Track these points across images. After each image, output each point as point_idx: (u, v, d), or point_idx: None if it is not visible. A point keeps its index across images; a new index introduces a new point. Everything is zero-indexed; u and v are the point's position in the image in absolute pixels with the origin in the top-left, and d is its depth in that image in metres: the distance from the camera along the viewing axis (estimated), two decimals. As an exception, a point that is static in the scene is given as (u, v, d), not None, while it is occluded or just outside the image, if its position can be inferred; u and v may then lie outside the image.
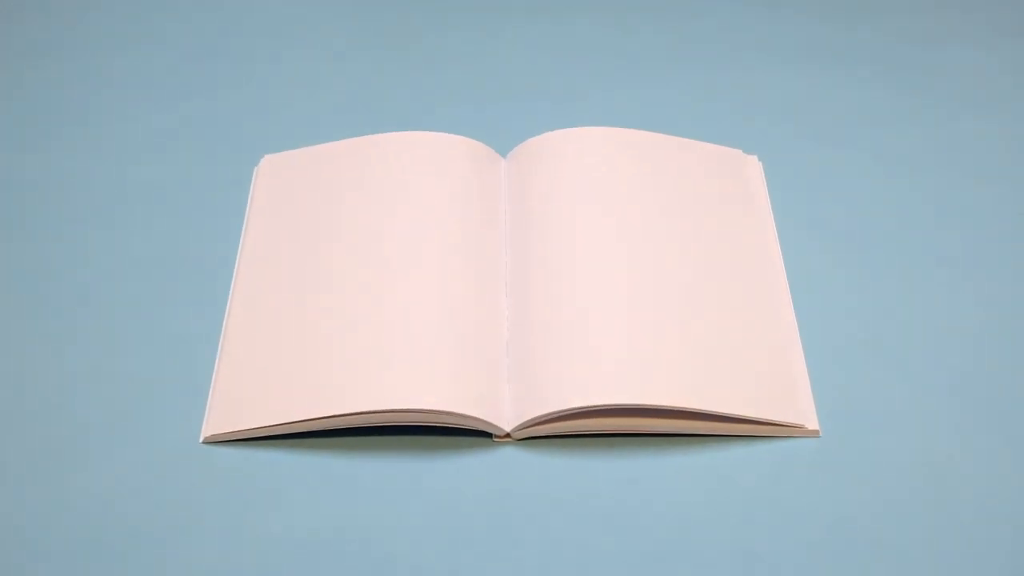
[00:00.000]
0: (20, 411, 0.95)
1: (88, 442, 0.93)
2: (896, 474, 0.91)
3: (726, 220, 1.08)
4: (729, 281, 1.02)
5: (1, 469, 0.92)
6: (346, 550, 0.87)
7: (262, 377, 0.96)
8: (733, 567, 0.86)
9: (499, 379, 0.96)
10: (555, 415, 0.93)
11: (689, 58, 1.28)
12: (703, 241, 1.05)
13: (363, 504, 0.90)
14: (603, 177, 1.09)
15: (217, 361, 0.98)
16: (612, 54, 1.29)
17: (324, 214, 1.08)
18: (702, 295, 1.01)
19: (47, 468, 0.92)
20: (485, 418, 0.93)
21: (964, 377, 0.98)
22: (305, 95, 1.24)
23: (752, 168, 1.14)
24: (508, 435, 0.94)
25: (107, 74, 1.26)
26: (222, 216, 1.10)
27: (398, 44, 1.30)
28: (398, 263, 1.02)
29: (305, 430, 0.93)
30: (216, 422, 0.94)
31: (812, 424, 0.94)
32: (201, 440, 0.94)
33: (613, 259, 1.02)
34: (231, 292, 1.03)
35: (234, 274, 1.05)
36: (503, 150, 1.15)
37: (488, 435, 0.94)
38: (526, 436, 0.94)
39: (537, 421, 0.93)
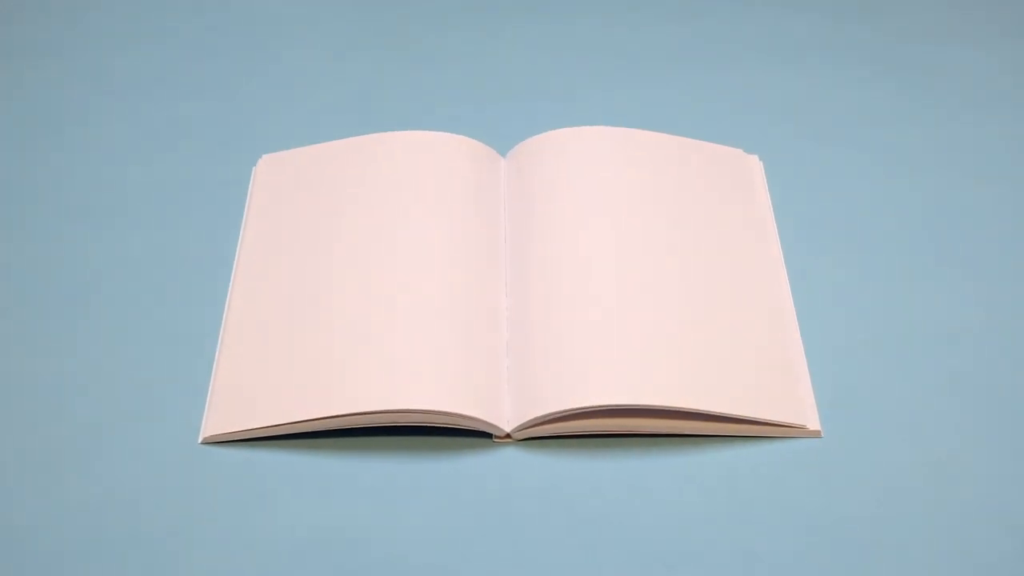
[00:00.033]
0: (19, 411, 0.95)
1: (86, 443, 0.93)
2: (897, 474, 0.91)
3: (727, 220, 1.08)
4: (730, 281, 1.02)
5: (0, 469, 0.92)
6: (346, 551, 0.87)
7: (261, 377, 0.96)
8: (734, 568, 0.86)
9: (499, 379, 0.96)
10: (555, 415, 0.92)
11: (689, 58, 1.28)
12: (703, 240, 1.05)
13: (363, 505, 0.90)
14: (603, 176, 1.09)
15: (216, 361, 0.98)
16: (612, 54, 1.29)
17: (323, 214, 1.08)
18: (702, 295, 1.01)
19: (46, 468, 0.92)
20: (485, 418, 0.93)
21: (965, 377, 0.97)
22: (304, 95, 1.24)
23: (753, 168, 1.14)
24: (508, 436, 0.94)
25: (106, 74, 1.26)
26: (221, 216, 1.10)
27: (398, 44, 1.30)
28: (397, 263, 1.02)
29: (304, 430, 0.93)
30: (215, 422, 0.94)
31: (813, 424, 0.94)
32: (200, 440, 0.94)
33: (613, 259, 1.02)
34: (230, 292, 1.03)
35: (233, 274, 1.05)
36: (503, 150, 1.15)
37: (488, 436, 0.94)
38: (526, 437, 0.94)
39: (537, 421, 0.93)
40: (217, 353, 0.99)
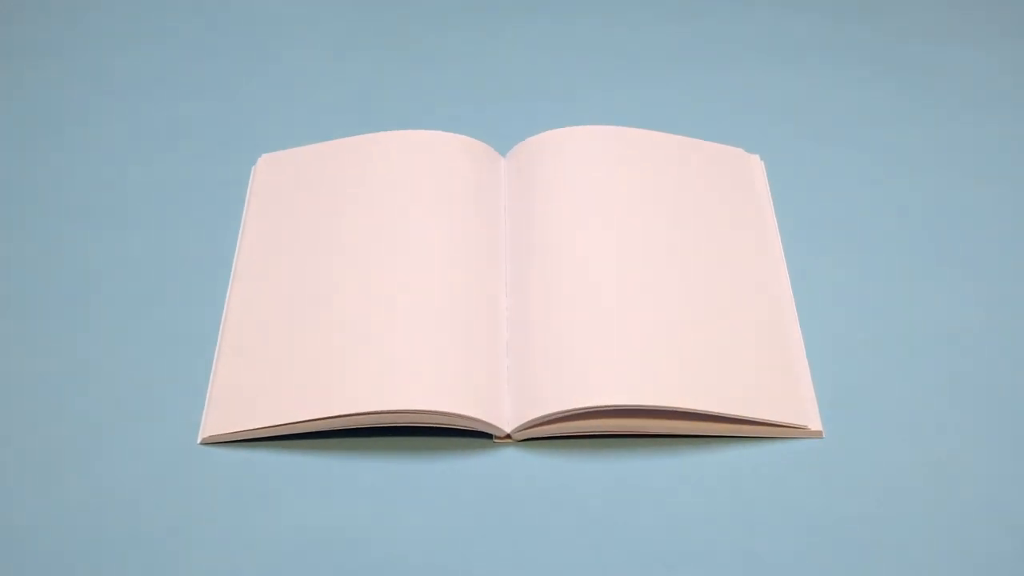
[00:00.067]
0: (18, 411, 0.95)
1: (85, 443, 0.93)
2: (899, 474, 0.91)
3: (728, 219, 1.08)
4: (731, 280, 1.02)
5: None
6: (346, 551, 0.87)
7: (261, 377, 0.96)
8: (736, 568, 0.86)
9: (499, 380, 0.96)
10: (556, 416, 0.92)
11: (689, 58, 1.28)
12: (704, 240, 1.05)
13: (363, 505, 0.90)
14: (604, 176, 1.09)
15: (215, 361, 0.98)
16: (612, 54, 1.29)
17: (322, 213, 1.08)
18: (703, 294, 1.01)
19: (45, 468, 0.92)
20: (485, 419, 0.93)
21: (966, 377, 0.97)
22: (304, 94, 1.24)
23: (754, 167, 1.14)
24: (508, 436, 0.93)
25: (106, 74, 1.26)
26: (220, 215, 1.10)
27: (398, 44, 1.30)
28: (397, 262, 1.02)
29: (304, 431, 0.93)
30: (214, 423, 0.94)
31: (815, 425, 0.94)
32: (199, 441, 0.94)
33: (613, 258, 1.02)
34: (229, 291, 1.03)
35: (232, 273, 1.05)
36: (503, 149, 1.15)
37: (488, 436, 0.94)
38: (526, 437, 0.93)
39: (538, 422, 0.93)
40: (216, 353, 0.99)
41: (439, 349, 0.96)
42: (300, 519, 0.89)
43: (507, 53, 1.29)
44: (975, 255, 1.07)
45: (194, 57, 1.28)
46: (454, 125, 1.15)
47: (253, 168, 1.14)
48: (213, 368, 0.98)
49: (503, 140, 1.15)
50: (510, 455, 0.93)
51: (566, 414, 0.92)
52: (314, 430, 0.93)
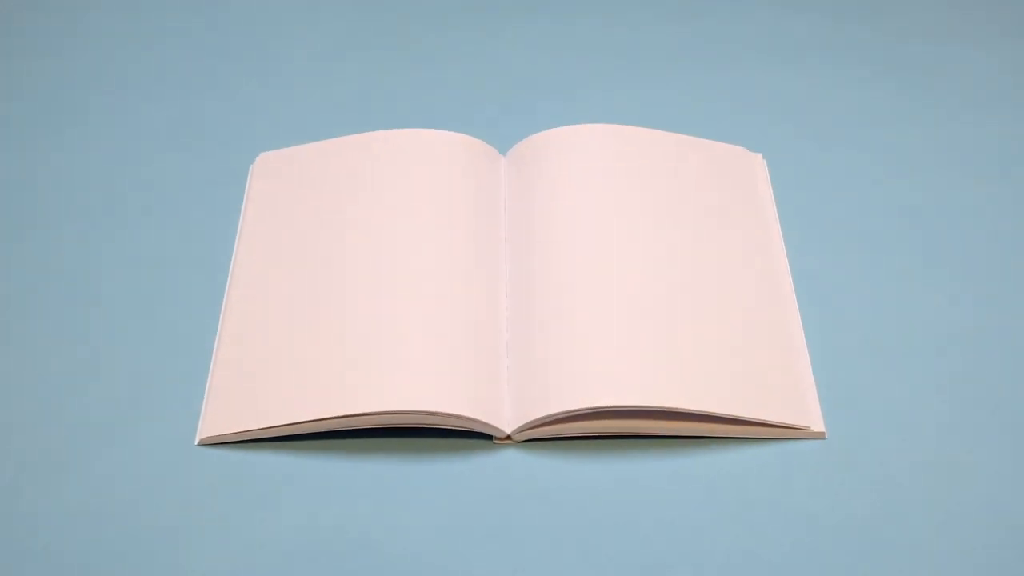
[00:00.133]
0: (16, 411, 0.95)
1: (82, 444, 0.93)
2: (902, 475, 0.91)
3: (730, 219, 1.08)
4: (733, 280, 1.02)
5: (-1, 470, 0.92)
6: (345, 552, 0.87)
7: (259, 378, 0.96)
8: (737, 570, 0.86)
9: (499, 380, 0.96)
10: (556, 417, 0.92)
11: (689, 58, 1.28)
12: (706, 240, 1.05)
13: (363, 506, 0.90)
14: (605, 174, 1.09)
15: (213, 362, 0.98)
16: (612, 53, 1.29)
17: (321, 212, 1.07)
18: (705, 294, 1.00)
19: (43, 469, 0.92)
20: (485, 420, 0.92)
21: (969, 377, 0.97)
22: (303, 93, 1.24)
23: (756, 166, 1.14)
24: (508, 437, 0.93)
25: (105, 73, 1.26)
26: (219, 215, 1.10)
27: (398, 43, 1.30)
28: (396, 262, 1.02)
29: (302, 432, 0.93)
30: (212, 424, 0.94)
31: (818, 426, 0.94)
32: (197, 442, 0.94)
33: (615, 258, 1.02)
34: (227, 291, 1.03)
35: (230, 273, 1.05)
36: (503, 148, 1.14)
37: (488, 437, 0.94)
38: (527, 438, 0.93)
39: (538, 423, 0.93)
40: (214, 353, 0.99)
41: (439, 349, 0.96)
42: (299, 520, 0.89)
43: (507, 53, 1.29)
44: (976, 255, 1.07)
45: (193, 57, 1.28)
46: (454, 124, 1.15)
47: (251, 167, 1.14)
48: (211, 368, 0.98)
49: (503, 139, 1.15)
50: (510, 456, 0.93)
51: (566, 415, 0.92)
52: (313, 431, 0.93)
